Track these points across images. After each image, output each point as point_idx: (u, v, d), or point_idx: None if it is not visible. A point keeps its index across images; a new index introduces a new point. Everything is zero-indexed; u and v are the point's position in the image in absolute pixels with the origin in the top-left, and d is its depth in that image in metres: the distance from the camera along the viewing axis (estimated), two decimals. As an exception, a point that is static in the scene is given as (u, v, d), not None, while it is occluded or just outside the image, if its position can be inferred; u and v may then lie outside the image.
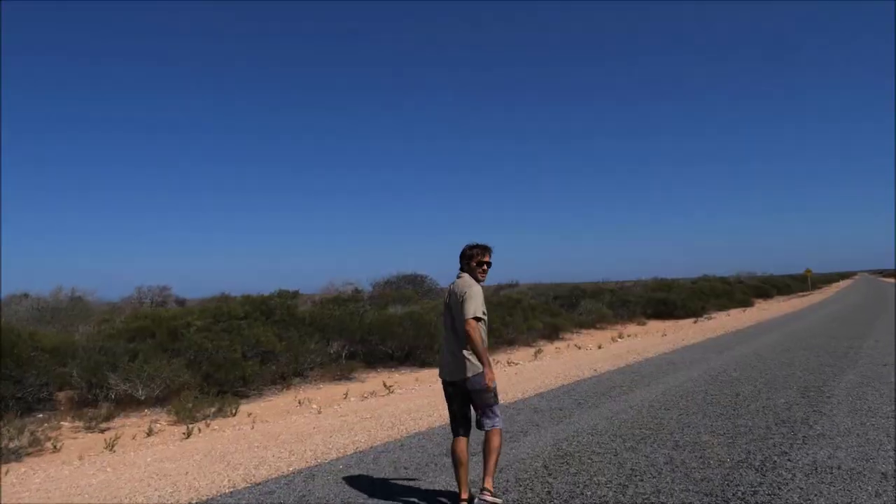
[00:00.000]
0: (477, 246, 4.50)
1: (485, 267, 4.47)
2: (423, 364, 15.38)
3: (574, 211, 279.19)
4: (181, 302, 30.71)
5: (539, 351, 17.09)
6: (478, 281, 4.45)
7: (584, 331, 23.81)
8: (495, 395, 4.41)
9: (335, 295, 21.71)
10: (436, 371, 14.68)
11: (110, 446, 7.47)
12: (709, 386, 9.29)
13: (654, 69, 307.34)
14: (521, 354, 17.02)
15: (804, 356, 12.17)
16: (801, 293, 52.47)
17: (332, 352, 15.18)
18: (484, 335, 4.37)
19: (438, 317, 17.80)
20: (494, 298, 23.46)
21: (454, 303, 4.40)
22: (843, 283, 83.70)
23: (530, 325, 20.18)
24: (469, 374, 4.29)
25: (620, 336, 20.32)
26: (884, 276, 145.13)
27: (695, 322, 25.60)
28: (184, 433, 8.14)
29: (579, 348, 17.32)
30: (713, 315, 30.38)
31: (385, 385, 11.60)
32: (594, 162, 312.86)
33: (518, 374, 12.18)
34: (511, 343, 19.76)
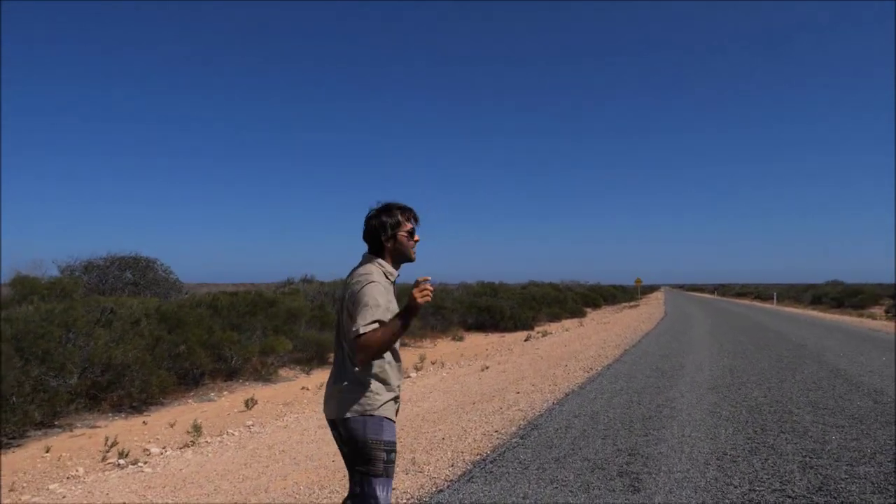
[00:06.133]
0: (396, 207, 2.62)
1: (417, 238, 2.65)
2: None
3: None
4: None
5: (251, 401, 8.90)
6: (408, 260, 2.63)
7: (374, 350, 16.00)
8: (386, 458, 2.47)
9: None
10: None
11: None
12: None
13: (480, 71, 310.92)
14: (214, 410, 8.76)
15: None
16: (628, 304, 49.59)
17: None
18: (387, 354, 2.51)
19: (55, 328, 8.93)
20: (243, 304, 14.98)
21: (345, 304, 2.53)
22: (658, 295, 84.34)
23: (268, 344, 11.90)
24: (346, 415, 2.47)
25: (419, 365, 12.75)
26: (686, 290, 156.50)
27: (526, 339, 18.92)
28: None
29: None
30: (546, 328, 24.16)
31: None
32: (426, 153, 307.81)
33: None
34: (230, 375, 11.36)
